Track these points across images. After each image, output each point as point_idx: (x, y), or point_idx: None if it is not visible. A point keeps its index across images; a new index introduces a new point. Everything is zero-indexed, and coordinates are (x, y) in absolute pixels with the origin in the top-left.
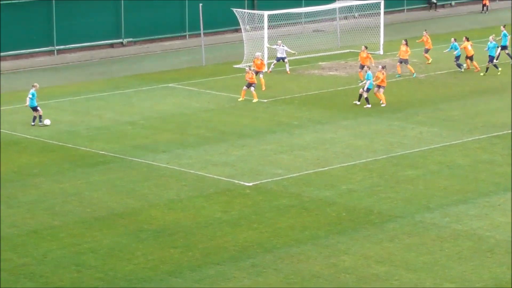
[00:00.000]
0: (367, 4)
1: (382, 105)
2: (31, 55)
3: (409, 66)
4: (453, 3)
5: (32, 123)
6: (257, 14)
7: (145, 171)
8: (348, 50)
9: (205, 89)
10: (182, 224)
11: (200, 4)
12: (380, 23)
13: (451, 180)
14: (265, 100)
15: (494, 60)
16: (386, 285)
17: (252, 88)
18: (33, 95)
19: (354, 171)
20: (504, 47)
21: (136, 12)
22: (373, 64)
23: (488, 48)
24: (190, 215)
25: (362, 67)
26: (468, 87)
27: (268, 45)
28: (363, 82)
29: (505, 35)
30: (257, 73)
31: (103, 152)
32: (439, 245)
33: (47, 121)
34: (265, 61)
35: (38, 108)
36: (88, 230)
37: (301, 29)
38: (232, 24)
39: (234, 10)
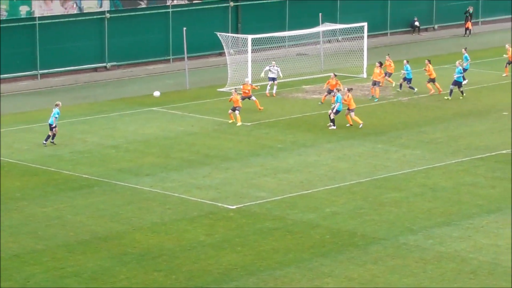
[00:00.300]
0: (350, 28)
1: (360, 126)
2: (15, 79)
3: (377, 88)
4: (436, 26)
5: (44, 142)
6: (241, 37)
7: (129, 195)
8: (330, 74)
9: (188, 113)
10: (166, 248)
11: (184, 28)
12: (363, 46)
13: (435, 203)
14: (249, 124)
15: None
16: None
17: (237, 112)
18: (58, 114)
19: (338, 194)
20: (465, 70)
21: (120, 36)
22: (342, 89)
23: (457, 73)
24: (174, 238)
25: (330, 91)
26: (451, 110)
27: (267, 68)
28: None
29: (466, 58)
30: (248, 97)
31: (86, 176)
32: (422, 267)
33: (156, 93)
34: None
35: (54, 128)
36: (71, 254)
37: (285, 53)
38: (216, 48)
39: (218, 34)
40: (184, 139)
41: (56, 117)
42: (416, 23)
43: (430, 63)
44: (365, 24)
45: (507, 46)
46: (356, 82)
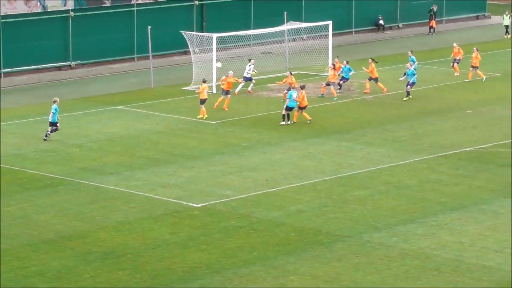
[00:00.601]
0: (315, 26)
1: (308, 122)
2: None
3: (332, 88)
4: (400, 25)
5: (45, 138)
6: (206, 36)
7: (93, 194)
8: (296, 72)
9: (153, 111)
10: (130, 246)
11: (149, 27)
12: (328, 45)
13: (399, 200)
14: (214, 122)
15: (407, 87)
16: None
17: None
18: (56, 110)
19: (303, 192)
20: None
21: (84, 35)
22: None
23: (408, 75)
24: (139, 237)
25: (289, 89)
26: (415, 108)
27: (252, 71)
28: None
29: (413, 60)
30: (227, 92)
31: (50, 175)
32: (386, 264)
33: (218, 64)
34: (214, 84)
35: (58, 124)
36: (35, 253)
37: (250, 51)
38: (181, 47)
39: (183, 32)
40: (148, 137)
41: (53, 113)
42: (381, 22)
43: (374, 61)
44: (330, 22)
45: (455, 44)
46: (322, 80)
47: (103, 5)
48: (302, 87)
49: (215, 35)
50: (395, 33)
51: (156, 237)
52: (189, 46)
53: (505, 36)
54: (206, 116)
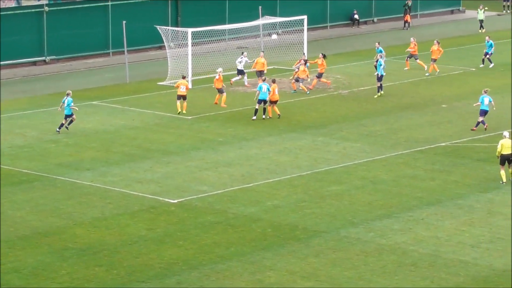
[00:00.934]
0: (290, 21)
1: (278, 117)
2: None
3: (301, 85)
4: (375, 19)
5: (58, 130)
6: (181, 31)
7: (69, 189)
8: (272, 67)
9: (129, 107)
10: (107, 242)
11: (124, 22)
12: (303, 39)
13: (375, 195)
14: (189, 117)
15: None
16: None
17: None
18: (68, 102)
19: (279, 187)
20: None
21: (59, 30)
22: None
23: (378, 67)
24: (115, 233)
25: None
26: (391, 103)
27: (246, 60)
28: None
29: (381, 52)
30: (220, 91)
31: (26, 171)
32: (363, 259)
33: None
34: (190, 76)
35: (74, 116)
36: (11, 250)
37: (225, 46)
38: (156, 41)
39: (158, 27)
40: (124, 133)
41: (66, 105)
42: (356, 16)
43: (325, 57)
44: (305, 17)
45: (412, 39)
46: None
47: (77, 0)
48: (273, 81)
49: (190, 30)
50: (370, 27)
51: (133, 233)
52: (164, 41)
53: (480, 31)
54: (179, 111)
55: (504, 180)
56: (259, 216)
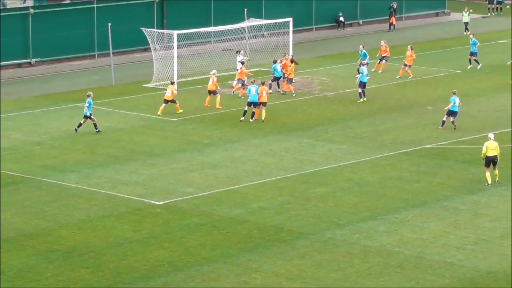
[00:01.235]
0: (276, 23)
1: (262, 121)
2: None
3: (289, 85)
4: (360, 22)
5: (76, 129)
6: (167, 33)
7: (55, 192)
8: (257, 69)
9: (114, 109)
10: (93, 244)
11: (109, 24)
12: (289, 41)
13: (361, 197)
14: (175, 119)
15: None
16: None
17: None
18: (89, 103)
19: (265, 189)
20: (366, 64)
21: (44, 32)
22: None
23: (362, 73)
24: (101, 235)
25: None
26: (377, 104)
27: (244, 58)
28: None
29: (365, 55)
30: (211, 92)
31: (11, 173)
32: (349, 261)
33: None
34: (175, 78)
35: (92, 116)
36: None
37: (211, 48)
38: (142, 44)
39: (143, 29)
40: (110, 135)
41: (87, 106)
42: (341, 19)
43: (294, 62)
44: (290, 19)
45: (382, 42)
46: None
47: (63, 2)
48: (263, 83)
49: (175, 32)
50: (355, 30)
51: (118, 235)
52: (150, 43)
53: (465, 33)
54: (159, 114)
55: (489, 182)
56: (244, 218)
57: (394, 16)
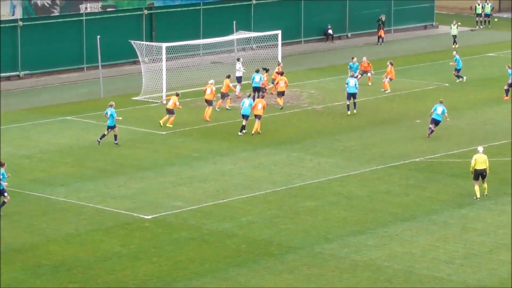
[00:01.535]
0: (264, 36)
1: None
2: None
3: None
4: (349, 34)
5: (99, 140)
6: (155, 46)
7: (43, 205)
8: (246, 82)
9: (103, 122)
10: (81, 259)
11: (98, 36)
12: (278, 54)
13: (350, 211)
14: (164, 132)
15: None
16: None
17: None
18: (111, 113)
19: (254, 203)
20: (355, 76)
21: (33, 45)
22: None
23: (349, 84)
24: (89, 249)
25: (223, 96)
26: (366, 118)
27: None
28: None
29: (357, 67)
30: (208, 102)
31: None
32: (338, 276)
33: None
34: (164, 91)
35: (116, 127)
36: None
37: (200, 61)
38: (130, 56)
39: (132, 42)
40: (98, 148)
41: (108, 115)
42: (330, 31)
43: (267, 71)
44: (279, 32)
45: (364, 59)
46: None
47: (51, 15)
48: (262, 96)
49: (164, 45)
50: (344, 42)
51: (107, 249)
52: (139, 55)
53: (453, 46)
54: (161, 123)
55: (478, 195)
56: (233, 232)
57: (383, 29)
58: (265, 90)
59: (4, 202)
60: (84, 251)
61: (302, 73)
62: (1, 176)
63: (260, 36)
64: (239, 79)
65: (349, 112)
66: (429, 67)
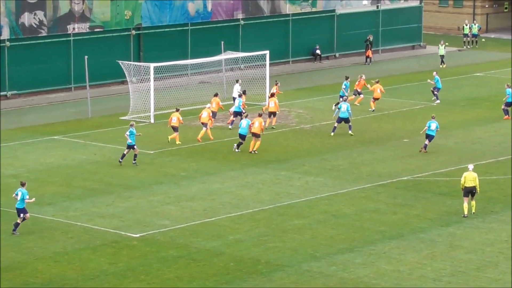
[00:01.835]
0: (252, 56)
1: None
2: None
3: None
4: (337, 54)
5: (120, 160)
6: (143, 66)
7: (30, 224)
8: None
9: (91, 141)
10: (69, 277)
11: (86, 56)
12: (265, 74)
13: (337, 229)
14: (152, 152)
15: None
16: None
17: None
18: (131, 133)
19: (241, 221)
20: (342, 96)
21: (20, 65)
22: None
23: (340, 108)
24: (77, 268)
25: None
26: (353, 137)
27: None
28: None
29: (346, 86)
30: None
31: None
32: None
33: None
34: (152, 111)
35: (135, 146)
36: None
37: (187, 81)
38: (118, 76)
39: (120, 62)
40: (86, 167)
41: (128, 135)
42: (318, 51)
43: (244, 93)
44: (267, 52)
45: (364, 76)
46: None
47: (39, 35)
48: (260, 115)
49: (152, 65)
50: (332, 62)
51: (95, 268)
52: (127, 75)
53: (441, 66)
54: (178, 142)
55: (466, 213)
56: (221, 250)
57: (371, 49)
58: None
59: (23, 219)
60: (72, 269)
61: (290, 93)
62: (22, 195)
63: (248, 56)
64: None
65: (332, 133)
66: (417, 87)
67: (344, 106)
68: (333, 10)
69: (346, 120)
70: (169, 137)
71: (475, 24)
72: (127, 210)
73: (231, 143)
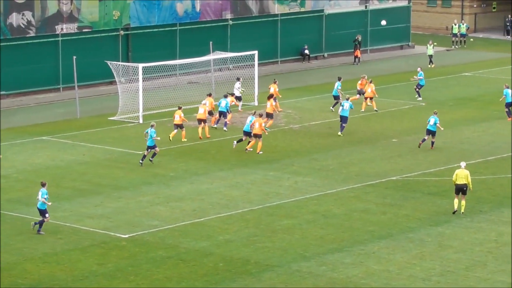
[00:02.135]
0: (241, 56)
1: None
2: None
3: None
4: (325, 54)
5: (141, 161)
6: (132, 66)
7: (19, 225)
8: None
9: (79, 142)
10: (58, 278)
11: (74, 57)
12: (254, 74)
13: (327, 229)
14: (141, 152)
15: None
16: None
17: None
18: (152, 134)
19: (231, 222)
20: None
21: (8, 65)
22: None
23: (343, 106)
24: (66, 269)
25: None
26: (342, 137)
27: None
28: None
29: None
30: (200, 121)
31: None
32: None
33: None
34: (141, 111)
35: (157, 147)
36: None
37: (176, 81)
38: (107, 77)
39: (109, 62)
40: (75, 168)
41: (148, 134)
42: (306, 51)
43: (232, 95)
44: (255, 52)
45: (366, 76)
46: (248, 109)
47: (27, 35)
48: (260, 115)
49: (141, 65)
50: (321, 62)
51: (84, 269)
52: (115, 76)
53: (429, 66)
54: (184, 139)
55: (456, 208)
56: (210, 250)
57: (359, 49)
58: (229, 112)
59: (43, 221)
60: (61, 270)
61: (279, 93)
62: (43, 195)
63: (236, 56)
64: (237, 99)
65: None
66: (406, 87)
67: (346, 104)
68: (322, 10)
69: (344, 120)
70: (170, 135)
71: (463, 24)
72: (116, 211)
73: (220, 144)
